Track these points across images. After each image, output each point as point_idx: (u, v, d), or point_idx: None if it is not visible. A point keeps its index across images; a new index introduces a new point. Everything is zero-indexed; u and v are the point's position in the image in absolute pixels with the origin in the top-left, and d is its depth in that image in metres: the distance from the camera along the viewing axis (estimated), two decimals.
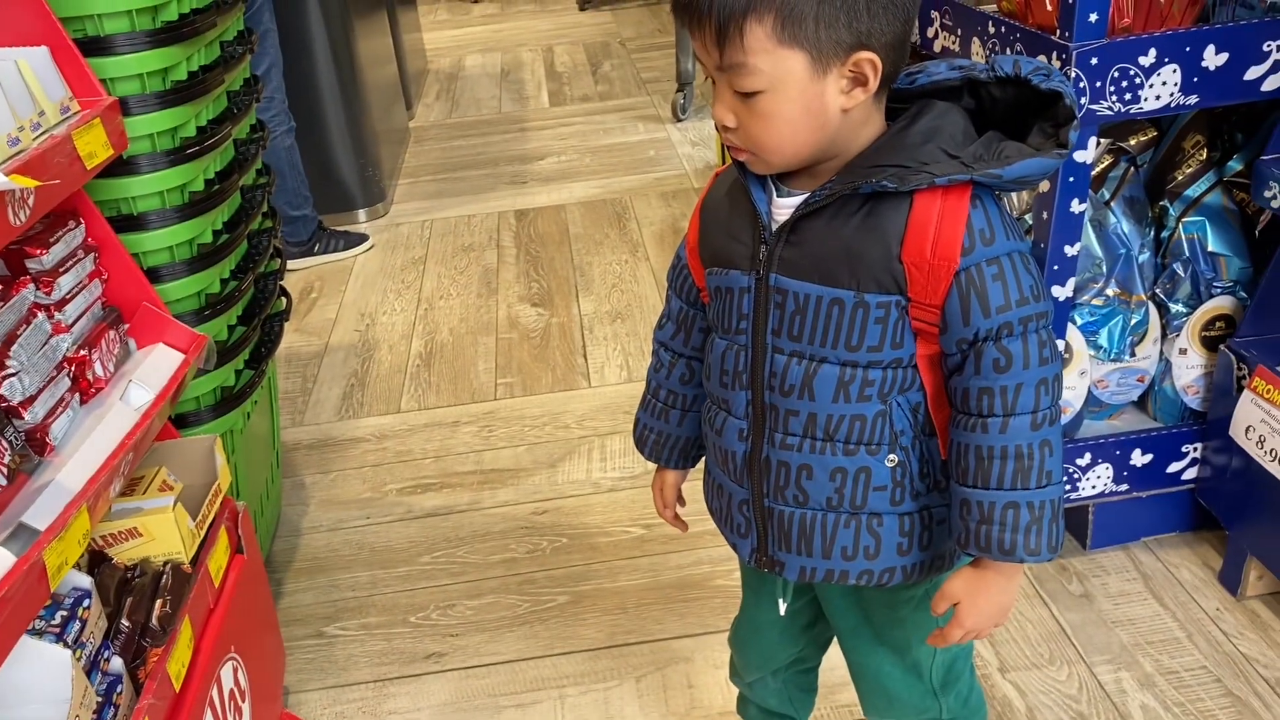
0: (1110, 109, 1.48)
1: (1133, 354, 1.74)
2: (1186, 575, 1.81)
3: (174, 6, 1.53)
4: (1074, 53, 1.43)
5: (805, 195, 0.95)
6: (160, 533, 1.33)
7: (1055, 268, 1.58)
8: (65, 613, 1.14)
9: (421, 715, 1.68)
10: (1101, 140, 1.71)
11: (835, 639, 1.25)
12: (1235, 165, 1.73)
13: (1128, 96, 1.48)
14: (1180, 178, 1.74)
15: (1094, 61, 1.44)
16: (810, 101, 0.90)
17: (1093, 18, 1.42)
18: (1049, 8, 1.49)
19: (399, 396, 2.62)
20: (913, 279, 0.92)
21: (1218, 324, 1.74)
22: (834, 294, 0.94)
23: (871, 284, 0.93)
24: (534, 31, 6.47)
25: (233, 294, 1.67)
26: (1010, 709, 1.58)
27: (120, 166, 1.47)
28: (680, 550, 1.98)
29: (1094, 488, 1.78)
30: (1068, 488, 1.77)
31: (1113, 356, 1.73)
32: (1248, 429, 1.64)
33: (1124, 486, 1.79)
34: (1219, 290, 1.73)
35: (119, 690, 1.16)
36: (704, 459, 1.17)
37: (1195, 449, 1.78)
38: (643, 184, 3.85)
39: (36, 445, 1.21)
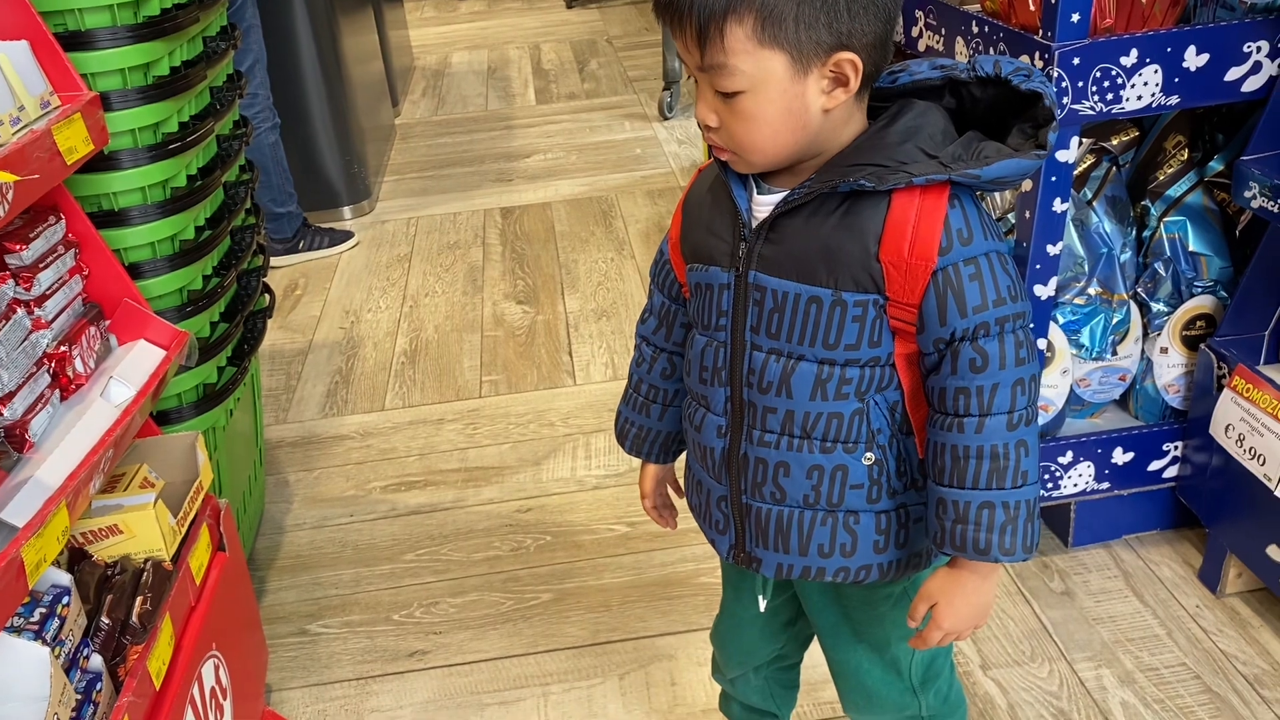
0: (1092, 109, 1.49)
1: (1114, 353, 1.75)
2: (1167, 573, 1.82)
3: (156, 1, 1.52)
4: (1056, 52, 1.44)
5: (785, 193, 0.95)
6: (141, 530, 1.33)
7: (1037, 267, 1.59)
8: (44, 610, 1.13)
9: (404, 713, 1.68)
10: (1084, 140, 1.72)
11: (814, 636, 1.25)
12: (1216, 165, 1.74)
13: (1109, 96, 1.49)
14: (1162, 178, 1.75)
15: (1076, 61, 1.45)
16: (791, 102, 0.90)
17: (1075, 18, 1.43)
18: (1031, 8, 1.50)
19: (383, 394, 2.61)
20: (890, 278, 0.92)
21: (1198, 323, 1.75)
22: (812, 292, 0.95)
23: (849, 282, 0.93)
24: (521, 29, 6.46)
25: (215, 290, 1.66)
26: (992, 706, 1.59)
27: (102, 162, 1.47)
28: (664, 548, 1.98)
29: (1075, 486, 1.79)
30: (1050, 486, 1.78)
31: (1094, 355, 1.74)
32: (1227, 428, 1.66)
33: (1105, 485, 1.80)
34: (1200, 290, 1.74)
35: (98, 688, 1.15)
36: (685, 455, 1.17)
37: (1176, 447, 1.79)
38: (629, 182, 3.85)
39: (15, 442, 1.20)
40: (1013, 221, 1.62)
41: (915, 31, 1.82)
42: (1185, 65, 1.48)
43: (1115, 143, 1.76)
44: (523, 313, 2.96)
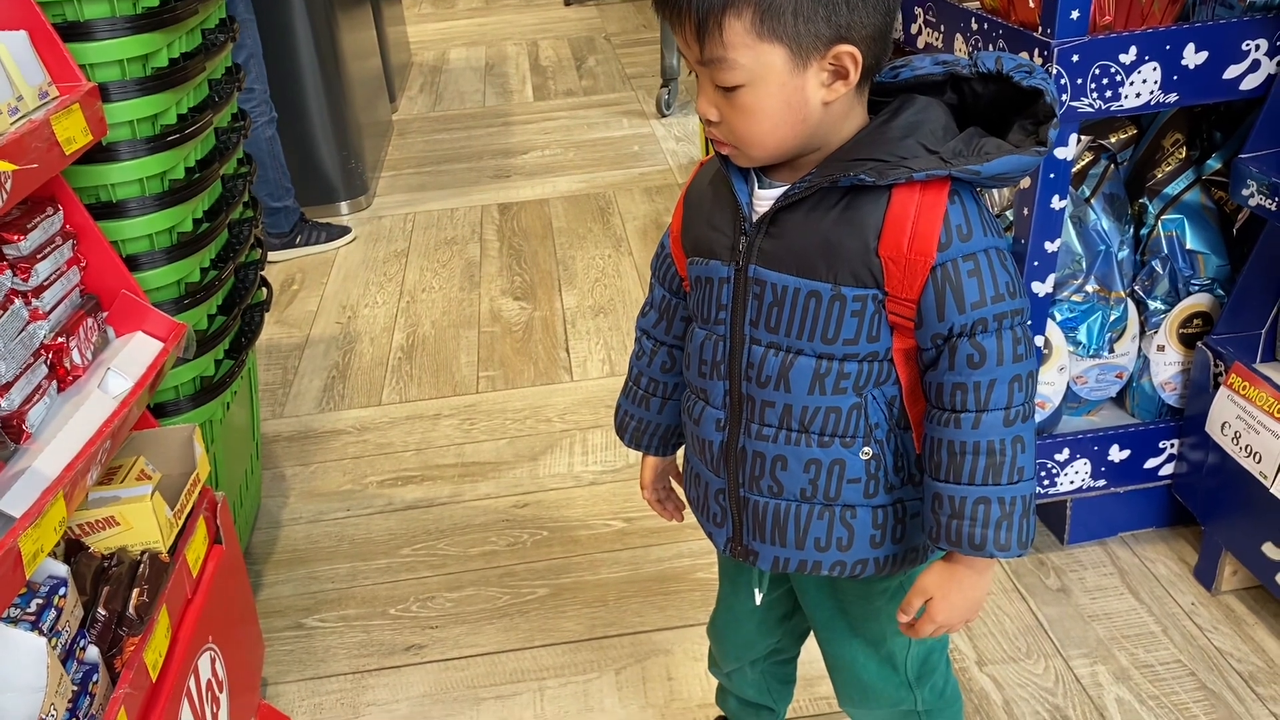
0: (1091, 106, 1.49)
1: (1111, 350, 1.76)
2: (1162, 570, 1.82)
3: None
4: (1055, 49, 1.44)
5: (786, 187, 0.95)
6: (138, 522, 1.32)
7: (1035, 264, 1.59)
8: (41, 601, 1.13)
9: (400, 707, 1.68)
10: (1082, 137, 1.72)
11: (809, 631, 1.26)
12: (1214, 164, 1.74)
13: (1108, 94, 1.49)
14: (1160, 175, 1.75)
15: (1075, 59, 1.45)
16: (791, 95, 0.90)
17: (1074, 15, 1.43)
18: (1031, 5, 1.50)
19: (380, 389, 2.61)
20: (890, 273, 0.92)
21: (1195, 321, 1.76)
22: (811, 286, 0.95)
23: (848, 277, 0.93)
24: (518, 26, 6.45)
25: (213, 283, 1.66)
26: (987, 701, 1.59)
27: (100, 153, 1.46)
28: (661, 544, 1.98)
29: (1072, 483, 1.79)
30: (1046, 483, 1.78)
31: (1092, 352, 1.74)
32: (1223, 425, 1.66)
33: (1101, 482, 1.80)
34: (1197, 288, 1.75)
35: (95, 679, 1.15)
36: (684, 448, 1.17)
37: (1172, 445, 1.80)
38: (627, 179, 3.85)
39: (13, 432, 1.20)
40: (1011, 218, 1.63)
41: (914, 28, 1.82)
42: (1184, 63, 1.49)
43: (1113, 140, 1.76)
44: (520, 309, 2.96)
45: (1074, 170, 1.69)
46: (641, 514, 2.06)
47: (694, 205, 1.05)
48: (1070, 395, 1.78)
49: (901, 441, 1.01)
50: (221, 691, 1.43)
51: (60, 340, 1.31)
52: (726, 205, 0.99)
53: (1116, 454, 1.78)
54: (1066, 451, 1.76)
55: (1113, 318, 1.74)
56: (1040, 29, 1.48)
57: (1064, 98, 1.47)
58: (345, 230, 3.50)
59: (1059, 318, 1.72)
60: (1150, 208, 1.76)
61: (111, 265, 1.46)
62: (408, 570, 1.98)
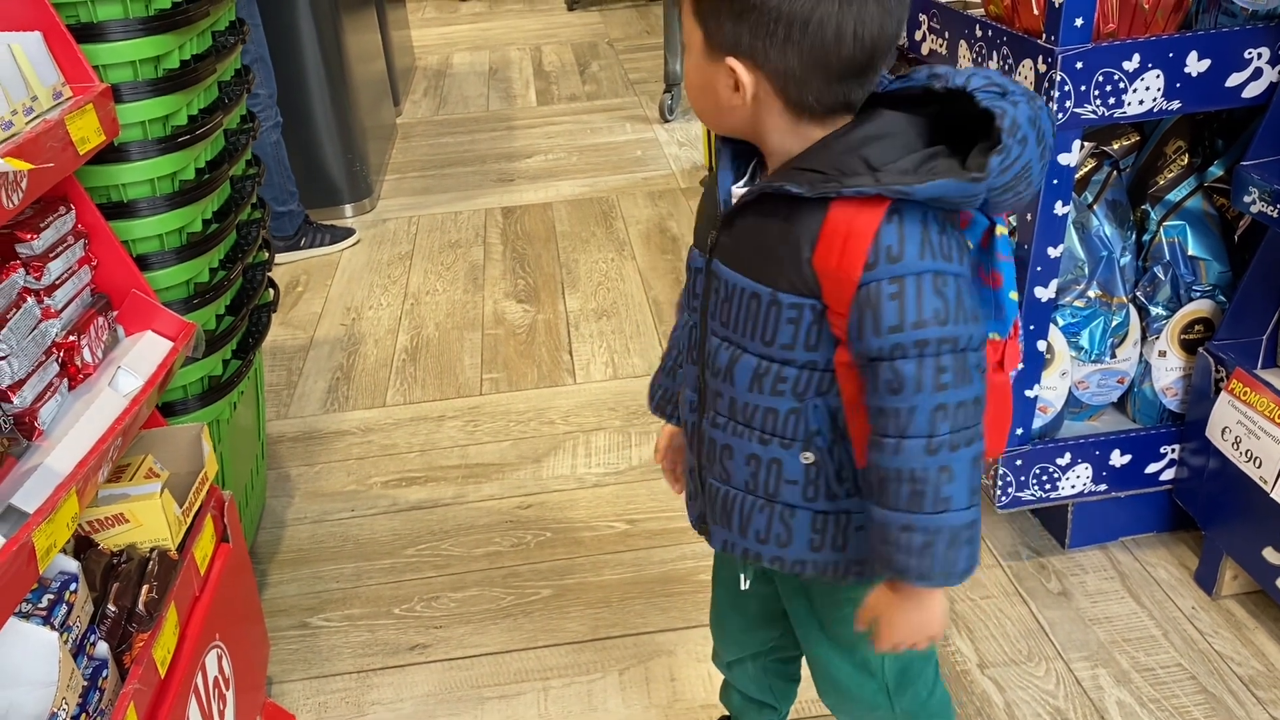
0: (1094, 113, 1.50)
1: (1113, 355, 1.77)
2: (1163, 575, 1.83)
3: None
4: (1059, 56, 1.45)
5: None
6: (147, 519, 1.33)
7: (1038, 269, 1.60)
8: (52, 596, 1.14)
9: (405, 706, 1.69)
10: (1085, 144, 1.73)
11: None
12: (1216, 171, 1.76)
13: (1111, 101, 1.50)
14: (1162, 182, 1.77)
15: (1079, 65, 1.47)
16: (706, 80, 0.93)
17: (1078, 22, 1.44)
18: (1035, 11, 1.51)
19: (384, 390, 2.62)
20: (825, 286, 0.92)
21: (1197, 327, 1.77)
22: (753, 288, 0.96)
23: (785, 284, 0.94)
24: (522, 31, 6.47)
25: (221, 283, 1.67)
26: (989, 704, 1.60)
27: (111, 153, 1.47)
28: (664, 545, 1.99)
29: (1073, 487, 1.80)
30: (1048, 487, 1.79)
31: (1093, 358, 1.75)
32: (1224, 430, 1.67)
33: (1103, 486, 1.81)
34: (1198, 294, 1.76)
35: (104, 674, 1.16)
36: None
37: (1173, 450, 1.81)
38: (630, 183, 3.86)
39: (25, 429, 1.21)
40: (1014, 224, 1.64)
41: (919, 35, 1.83)
42: (1187, 70, 1.50)
43: (1116, 147, 1.77)
44: (523, 311, 2.97)
45: (1077, 176, 1.70)
46: (644, 516, 2.08)
47: (707, 196, 1.08)
48: (1072, 400, 1.80)
49: (846, 451, 1.00)
50: (228, 689, 1.44)
51: (71, 339, 1.32)
52: (714, 198, 1.02)
53: (1118, 459, 1.79)
54: (1068, 456, 1.77)
55: (1115, 323, 1.75)
56: (1044, 36, 1.49)
57: (1068, 104, 1.49)
58: (349, 232, 3.51)
59: (1061, 323, 1.73)
60: (1152, 214, 1.77)
61: (122, 265, 1.47)
62: (412, 570, 1.98)
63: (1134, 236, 1.77)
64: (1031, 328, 1.64)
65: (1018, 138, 0.87)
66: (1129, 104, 1.51)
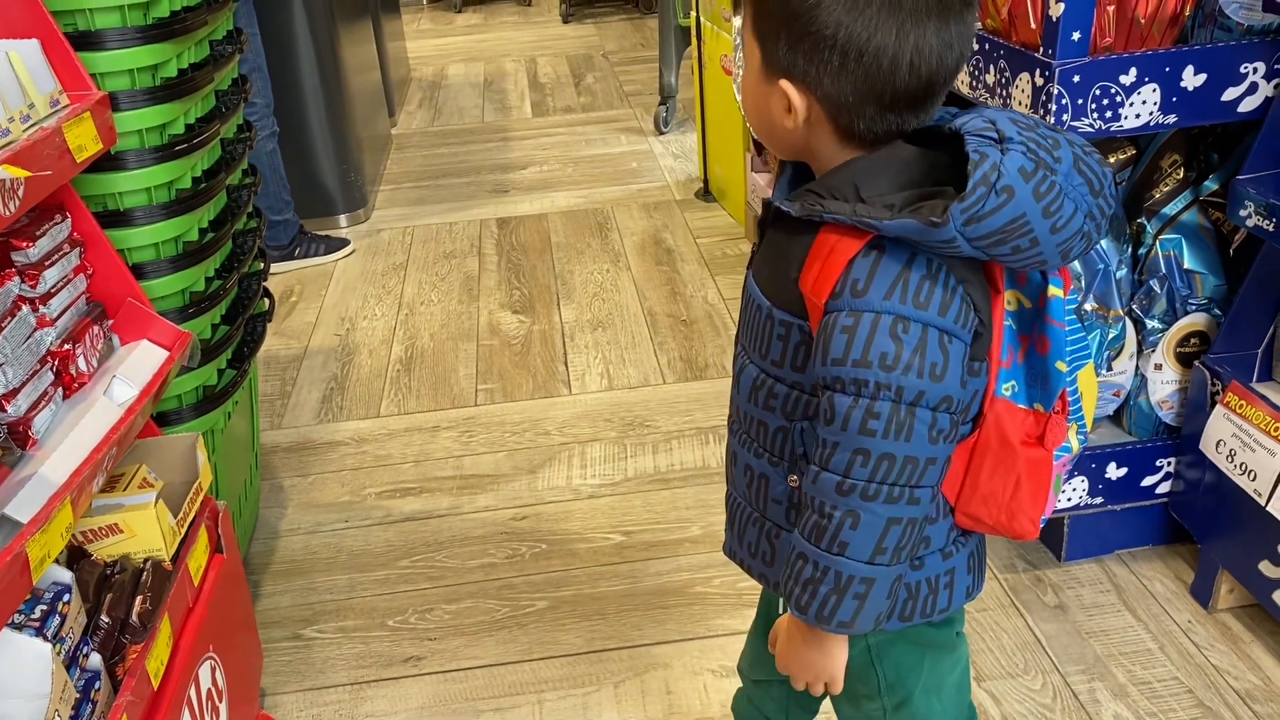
0: (1091, 126, 1.51)
1: (1109, 368, 1.77)
2: (1159, 588, 1.83)
3: (165, 3, 1.53)
4: (1056, 70, 1.46)
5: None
6: (141, 529, 1.32)
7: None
8: (45, 607, 1.13)
9: (399, 719, 1.68)
10: None
11: None
12: (1211, 185, 1.76)
13: (1108, 114, 1.51)
14: (1158, 196, 1.77)
15: (1076, 79, 1.47)
16: (761, 99, 0.93)
17: (1075, 36, 1.45)
18: (1032, 25, 1.52)
19: (379, 401, 2.61)
20: (807, 307, 0.91)
21: (1192, 340, 1.77)
22: (760, 300, 0.97)
23: (780, 300, 0.95)
24: (517, 42, 6.49)
25: (217, 293, 1.67)
26: (985, 718, 1.60)
27: (108, 162, 1.47)
28: (659, 558, 1.98)
29: (1069, 500, 1.80)
30: None
31: None
32: (1219, 443, 1.67)
33: (1099, 499, 1.81)
34: (1194, 307, 1.76)
35: (97, 686, 1.15)
36: None
37: (1169, 463, 1.81)
38: (625, 195, 3.87)
39: (19, 438, 1.20)
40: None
41: None
42: (1183, 85, 1.51)
43: (1112, 160, 1.77)
44: (518, 322, 2.97)
45: None
46: (640, 528, 2.07)
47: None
48: None
49: None
50: (221, 701, 1.42)
51: (66, 347, 1.32)
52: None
53: (1114, 472, 1.80)
54: None
55: (1111, 336, 1.75)
56: (1041, 50, 1.49)
57: (1065, 118, 1.49)
58: (344, 243, 3.51)
59: None
60: (1148, 227, 1.77)
61: (118, 273, 1.47)
62: (406, 582, 1.97)
63: (1130, 249, 1.77)
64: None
65: (997, 187, 0.81)
66: (1125, 117, 1.52)
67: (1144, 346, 1.78)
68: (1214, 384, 1.70)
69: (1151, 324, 1.77)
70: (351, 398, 2.63)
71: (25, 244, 1.28)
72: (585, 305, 3.04)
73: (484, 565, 2.00)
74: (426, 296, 3.17)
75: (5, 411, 1.19)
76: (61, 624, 1.14)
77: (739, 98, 0.97)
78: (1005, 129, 0.84)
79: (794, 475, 0.98)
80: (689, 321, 2.90)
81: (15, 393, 1.21)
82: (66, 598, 1.16)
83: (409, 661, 1.78)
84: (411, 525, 2.14)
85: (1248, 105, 1.54)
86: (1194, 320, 1.76)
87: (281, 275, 3.33)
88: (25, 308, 1.26)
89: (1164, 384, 1.79)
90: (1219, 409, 1.67)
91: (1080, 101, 1.49)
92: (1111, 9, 1.49)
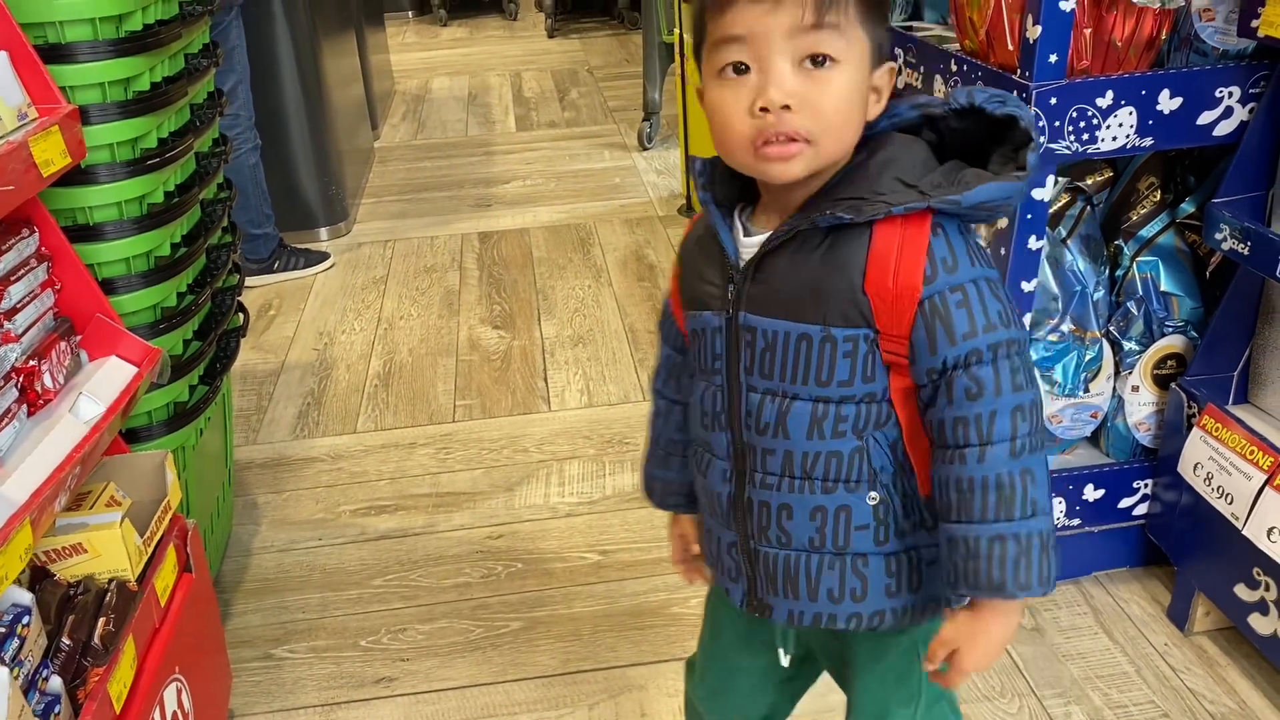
0: (1068, 148, 1.51)
1: (1086, 390, 1.77)
2: (1136, 610, 1.83)
3: (138, 16, 1.52)
4: (1034, 92, 1.46)
5: (769, 233, 0.95)
6: (106, 549, 1.30)
7: (1012, 303, 1.60)
8: (3, 630, 1.11)
9: None
10: (1059, 179, 1.74)
11: (807, 690, 1.23)
12: (1188, 207, 1.77)
13: (1085, 137, 1.51)
14: (1135, 218, 1.78)
15: (1053, 101, 1.47)
16: (859, 94, 0.91)
17: (1052, 58, 1.45)
18: (1010, 47, 1.52)
19: (355, 417, 2.59)
20: (878, 310, 0.91)
21: (1169, 362, 1.77)
22: (801, 329, 0.93)
23: (838, 318, 0.92)
24: (502, 57, 6.49)
25: (189, 308, 1.65)
26: None
27: (78, 175, 1.45)
28: (636, 578, 1.97)
29: None
30: None
31: (1067, 392, 1.76)
32: (1196, 466, 1.67)
33: (1076, 521, 1.81)
34: (1171, 329, 1.76)
35: (57, 710, 1.13)
36: None
37: (1146, 485, 1.81)
38: (607, 210, 3.86)
39: None
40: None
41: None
42: (1159, 108, 1.51)
43: (1090, 182, 1.78)
44: (498, 338, 2.95)
45: (1051, 211, 1.71)
46: (617, 547, 2.05)
47: (687, 262, 1.05)
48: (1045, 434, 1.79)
49: (909, 485, 0.98)
50: None
51: (32, 364, 1.30)
52: (714, 256, 0.99)
53: (1091, 493, 1.79)
54: None
55: (1088, 358, 1.75)
56: (1019, 72, 1.50)
57: (1042, 140, 1.49)
58: (324, 256, 3.49)
59: (1035, 357, 1.73)
60: (1125, 249, 1.78)
61: (87, 288, 1.45)
62: (379, 601, 1.95)
63: (1107, 271, 1.78)
64: (1028, 352, 1.64)
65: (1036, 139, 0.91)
66: (1102, 140, 1.52)
67: (1121, 368, 1.78)
68: (1190, 406, 1.70)
69: (1129, 346, 1.77)
70: (328, 413, 2.61)
71: None
72: (566, 321, 3.03)
73: (459, 585, 1.98)
74: (406, 311, 3.15)
75: None
76: (20, 647, 1.12)
77: (818, 121, 0.90)
78: (1000, 93, 0.92)
79: (873, 492, 0.97)
80: None
81: None
82: (26, 620, 1.14)
83: (381, 682, 1.76)
84: (386, 543, 2.11)
85: (1223, 129, 1.54)
86: (1171, 342, 1.76)
87: (260, 289, 3.31)
88: None
89: (1141, 406, 1.79)
90: (1195, 431, 1.67)
91: (1057, 124, 1.49)
92: (1088, 32, 1.50)
